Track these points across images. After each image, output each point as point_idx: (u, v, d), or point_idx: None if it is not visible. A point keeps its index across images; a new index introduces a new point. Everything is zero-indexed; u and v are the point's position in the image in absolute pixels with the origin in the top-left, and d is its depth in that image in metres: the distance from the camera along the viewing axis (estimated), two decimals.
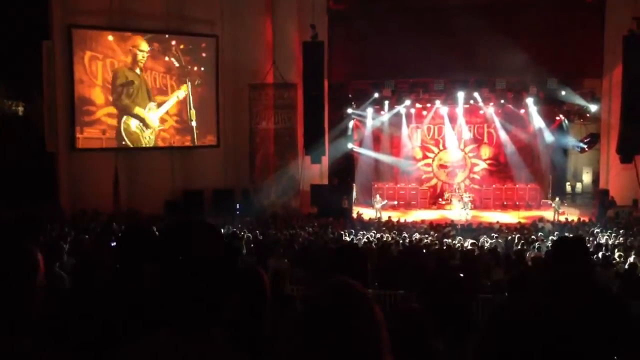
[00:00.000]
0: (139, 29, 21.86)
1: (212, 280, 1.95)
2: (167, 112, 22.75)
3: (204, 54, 23.14)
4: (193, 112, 23.03)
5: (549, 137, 25.10)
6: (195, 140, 23.29)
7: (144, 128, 22.31)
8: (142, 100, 22.15)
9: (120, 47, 21.60)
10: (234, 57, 23.14)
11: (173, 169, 22.78)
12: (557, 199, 22.57)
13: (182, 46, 22.77)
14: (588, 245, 13.38)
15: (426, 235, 16.65)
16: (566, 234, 14.58)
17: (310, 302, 1.80)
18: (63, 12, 20.31)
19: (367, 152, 26.43)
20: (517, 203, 24.74)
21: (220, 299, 1.98)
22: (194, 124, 23.09)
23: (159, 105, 22.53)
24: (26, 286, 1.89)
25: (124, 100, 21.81)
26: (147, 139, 22.45)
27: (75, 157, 20.98)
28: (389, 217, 21.75)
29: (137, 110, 22.11)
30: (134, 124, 22.09)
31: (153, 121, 22.45)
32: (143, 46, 22.00)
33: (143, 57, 22.01)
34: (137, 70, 22.00)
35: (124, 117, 21.90)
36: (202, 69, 23.19)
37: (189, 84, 22.92)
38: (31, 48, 20.05)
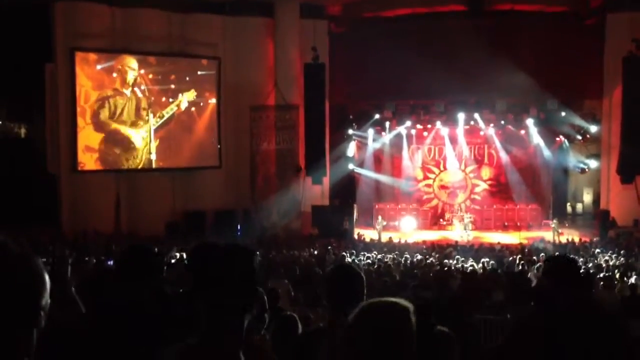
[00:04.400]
0: (141, 51, 21.99)
1: None
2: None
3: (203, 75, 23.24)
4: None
5: (549, 157, 25.14)
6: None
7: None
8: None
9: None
10: (236, 78, 23.23)
11: (174, 190, 22.75)
12: (555, 220, 22.56)
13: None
14: (586, 265, 13.38)
15: (427, 256, 16.61)
16: (556, 254, 14.55)
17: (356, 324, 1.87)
18: (66, 35, 20.44)
19: (368, 173, 26.44)
20: (518, 224, 24.67)
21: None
22: None
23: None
24: (32, 305, 1.75)
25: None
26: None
27: (77, 178, 21.00)
28: (390, 237, 21.73)
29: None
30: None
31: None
32: (133, 64, 21.86)
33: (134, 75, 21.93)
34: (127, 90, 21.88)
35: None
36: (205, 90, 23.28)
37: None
38: (34, 71, 20.21)
